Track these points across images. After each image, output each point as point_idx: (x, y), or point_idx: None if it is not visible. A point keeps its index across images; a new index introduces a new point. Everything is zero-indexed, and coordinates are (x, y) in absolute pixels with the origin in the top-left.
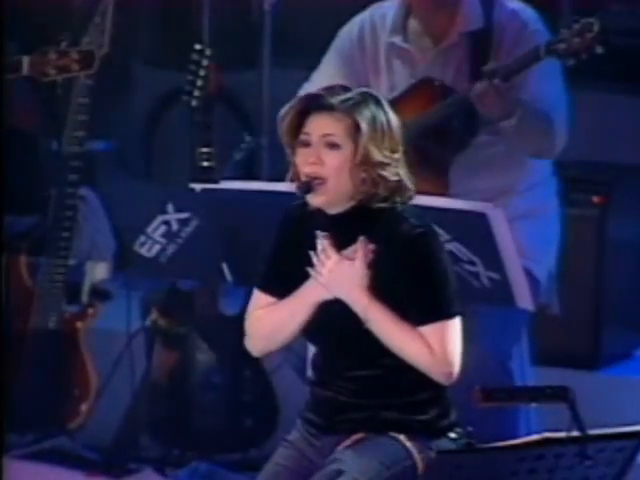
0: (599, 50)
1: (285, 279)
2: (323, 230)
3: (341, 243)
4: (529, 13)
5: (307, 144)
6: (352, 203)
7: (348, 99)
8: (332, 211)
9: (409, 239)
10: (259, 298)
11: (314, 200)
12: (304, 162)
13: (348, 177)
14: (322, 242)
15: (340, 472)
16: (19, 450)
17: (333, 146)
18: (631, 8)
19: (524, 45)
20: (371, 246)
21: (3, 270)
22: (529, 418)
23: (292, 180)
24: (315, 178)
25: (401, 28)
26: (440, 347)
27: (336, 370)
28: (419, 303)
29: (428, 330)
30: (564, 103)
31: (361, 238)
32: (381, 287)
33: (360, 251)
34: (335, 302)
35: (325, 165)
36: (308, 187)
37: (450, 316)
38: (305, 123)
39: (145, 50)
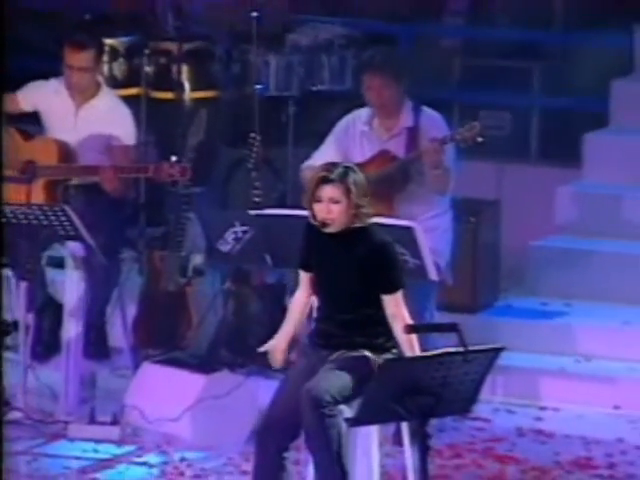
0: (479, 140)
1: (308, 264)
2: (331, 238)
3: (338, 248)
4: (437, 116)
5: (320, 201)
6: (345, 226)
7: (339, 172)
8: (337, 231)
9: (379, 245)
10: (300, 273)
11: (327, 230)
12: (320, 212)
13: (345, 216)
14: None
15: (331, 368)
16: (154, 359)
17: (336, 202)
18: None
19: (437, 132)
20: None
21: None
22: (436, 341)
23: (312, 217)
24: (328, 219)
25: (368, 122)
26: (395, 306)
27: (330, 314)
28: (384, 282)
29: (389, 297)
30: (454, 165)
31: None
32: (360, 274)
33: None
34: (334, 275)
35: (332, 213)
36: (324, 225)
37: (400, 289)
38: (318, 190)
39: (222, 136)
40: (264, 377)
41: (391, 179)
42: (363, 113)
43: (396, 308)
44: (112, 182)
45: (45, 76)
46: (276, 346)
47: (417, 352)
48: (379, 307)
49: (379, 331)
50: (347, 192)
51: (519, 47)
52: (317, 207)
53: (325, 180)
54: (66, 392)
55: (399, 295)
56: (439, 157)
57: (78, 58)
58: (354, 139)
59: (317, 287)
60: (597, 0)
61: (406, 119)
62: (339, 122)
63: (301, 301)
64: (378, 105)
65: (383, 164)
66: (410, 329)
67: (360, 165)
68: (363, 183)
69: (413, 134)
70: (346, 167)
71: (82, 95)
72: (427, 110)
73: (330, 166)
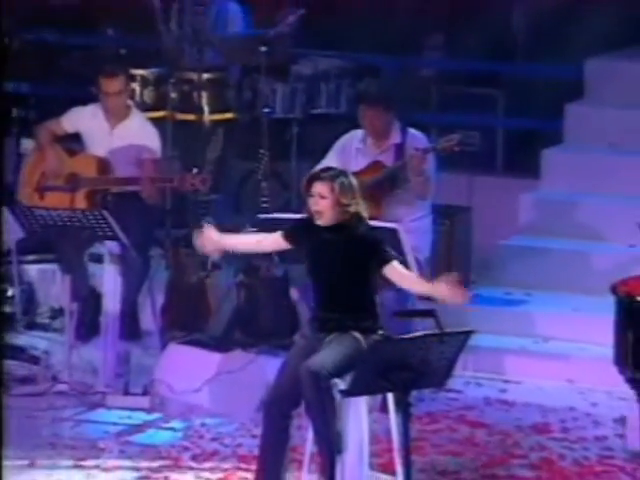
0: (457, 149)
1: (288, 235)
2: (323, 233)
3: (331, 239)
4: (420, 135)
5: (312, 196)
6: (335, 221)
7: (330, 174)
8: (327, 224)
9: (364, 233)
10: (278, 233)
11: (318, 222)
12: (312, 205)
13: (332, 211)
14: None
15: (327, 348)
16: (178, 340)
17: (323, 197)
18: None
19: (420, 146)
20: None
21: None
22: (417, 324)
23: (307, 211)
24: (317, 212)
25: (363, 141)
26: (397, 272)
27: (324, 300)
28: (378, 258)
29: (388, 268)
30: (434, 174)
31: None
32: (353, 260)
33: None
34: (327, 267)
35: (319, 205)
36: (315, 216)
37: (393, 259)
38: (311, 187)
39: (236, 151)
40: (272, 356)
41: (381, 185)
42: (359, 133)
43: (398, 274)
44: (150, 191)
45: (84, 102)
46: (208, 233)
47: (425, 285)
48: (367, 294)
49: (367, 315)
50: (332, 190)
51: (486, 76)
52: (310, 200)
53: (316, 177)
54: (104, 368)
55: (395, 264)
56: (422, 165)
57: (111, 85)
58: (350, 155)
59: (312, 278)
60: (552, 36)
61: (395, 137)
62: (338, 140)
63: (255, 239)
64: (371, 130)
65: (375, 172)
66: (396, 313)
67: (356, 173)
68: (351, 186)
69: (400, 149)
70: (340, 171)
71: (116, 117)
72: (412, 130)
73: (326, 168)
